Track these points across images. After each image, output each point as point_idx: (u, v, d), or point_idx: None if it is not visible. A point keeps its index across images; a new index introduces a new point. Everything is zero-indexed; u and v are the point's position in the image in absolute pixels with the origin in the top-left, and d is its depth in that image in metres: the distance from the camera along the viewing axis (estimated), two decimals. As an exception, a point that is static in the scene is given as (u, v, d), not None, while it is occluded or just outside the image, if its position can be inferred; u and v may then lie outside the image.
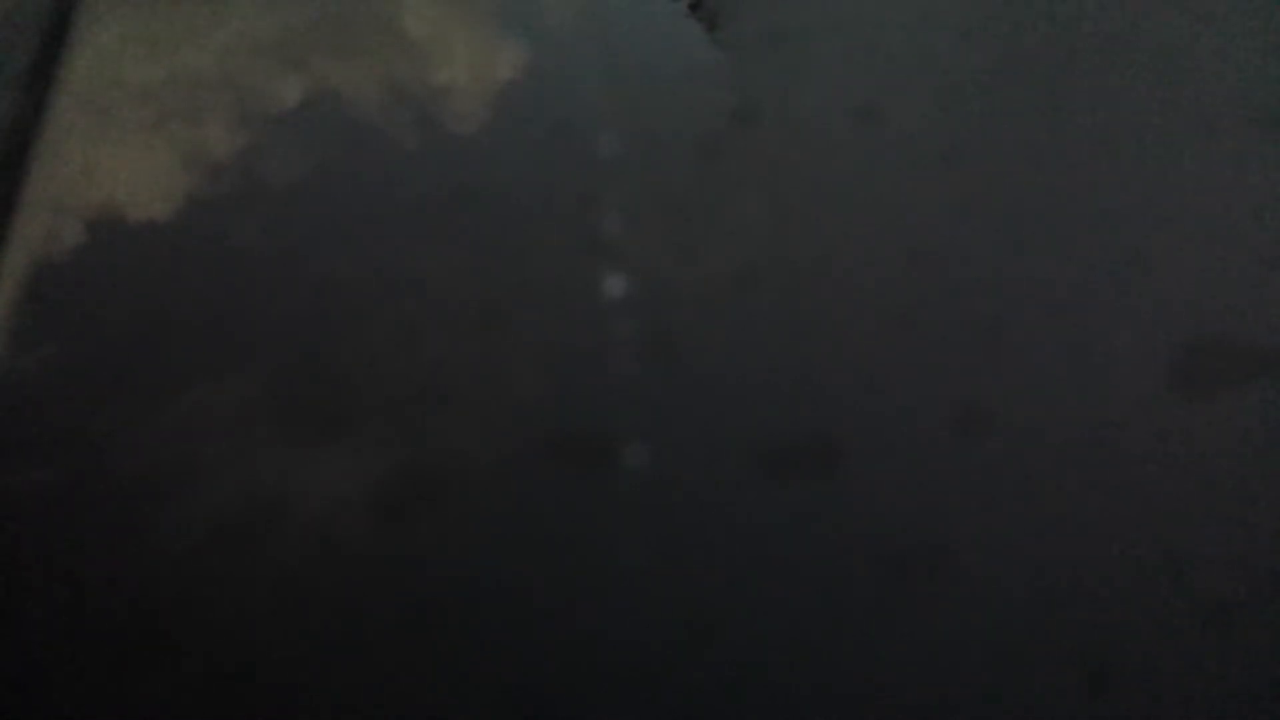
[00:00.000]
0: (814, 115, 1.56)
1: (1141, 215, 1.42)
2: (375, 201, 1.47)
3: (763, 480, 1.16)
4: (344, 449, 1.20)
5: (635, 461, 1.18)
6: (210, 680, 1.04)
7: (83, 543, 1.13)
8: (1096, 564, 1.10)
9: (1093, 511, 1.14)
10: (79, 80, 1.58)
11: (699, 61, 1.67)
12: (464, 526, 1.15)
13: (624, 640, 1.06)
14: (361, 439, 1.21)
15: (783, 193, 1.45)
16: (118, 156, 1.52)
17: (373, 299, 1.35)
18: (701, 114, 1.55)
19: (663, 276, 1.35)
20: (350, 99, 1.59)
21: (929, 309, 1.32)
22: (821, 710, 1.02)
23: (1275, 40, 1.63)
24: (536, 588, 1.09)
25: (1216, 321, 1.30)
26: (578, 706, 1.03)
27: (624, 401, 1.23)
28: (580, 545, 1.13)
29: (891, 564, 1.10)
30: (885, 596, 1.08)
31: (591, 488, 1.17)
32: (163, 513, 1.14)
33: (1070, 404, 1.23)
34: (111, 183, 1.48)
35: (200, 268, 1.39)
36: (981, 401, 1.23)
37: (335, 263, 1.39)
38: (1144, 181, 1.46)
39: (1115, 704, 1.02)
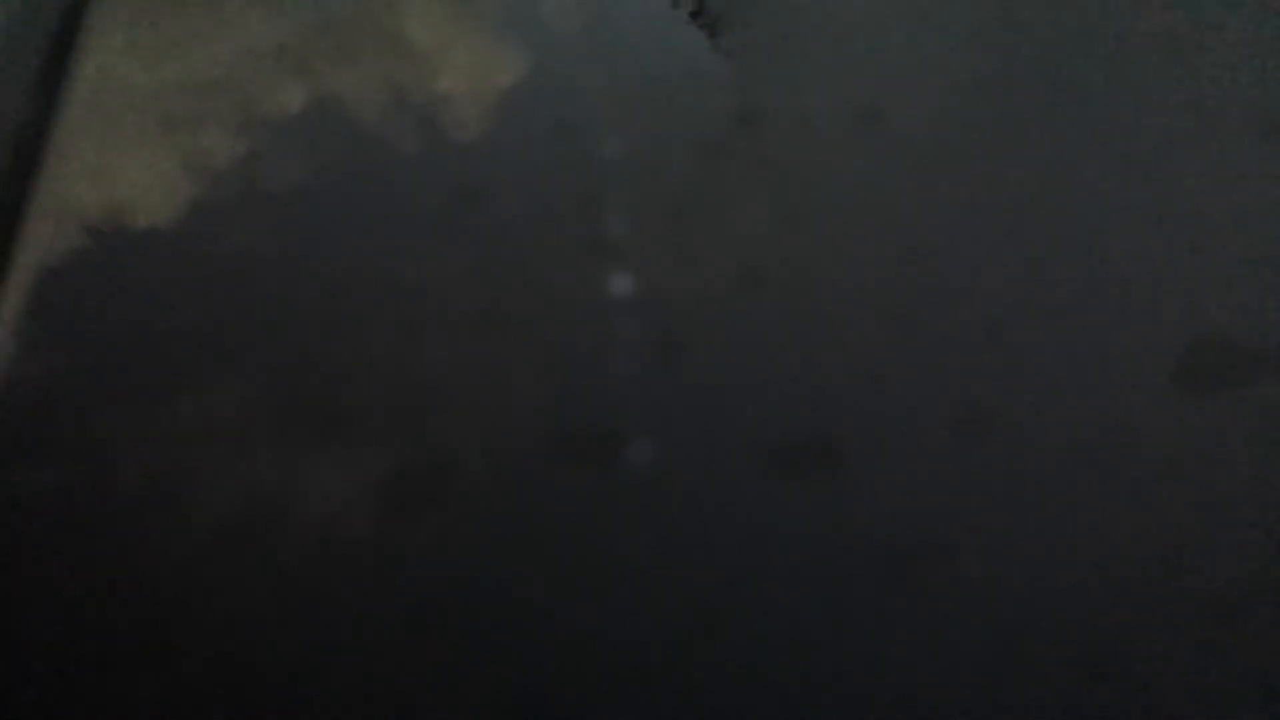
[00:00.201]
0: (816, 118, 1.56)
1: (1141, 217, 1.42)
2: (379, 205, 1.47)
3: (765, 480, 1.17)
4: (345, 451, 1.20)
5: (636, 461, 1.18)
6: (211, 682, 1.04)
7: (86, 546, 1.13)
8: (1097, 563, 1.10)
9: (1093, 511, 1.14)
10: (86, 85, 1.59)
11: (701, 67, 1.68)
12: (464, 527, 1.15)
13: (624, 640, 1.06)
14: (362, 441, 1.21)
15: (784, 195, 1.46)
16: (124, 161, 1.53)
17: (375, 302, 1.35)
18: (703, 117, 1.56)
19: (665, 278, 1.36)
20: (353, 104, 1.60)
21: (930, 310, 1.32)
22: (823, 710, 1.02)
23: (1274, 44, 1.63)
24: (536, 588, 1.09)
25: (1217, 322, 1.30)
26: (578, 706, 1.03)
27: (626, 402, 1.23)
28: (581, 545, 1.13)
29: (893, 563, 1.10)
30: (887, 596, 1.08)
31: (593, 488, 1.17)
32: (166, 516, 1.15)
33: (1071, 404, 1.23)
34: (118, 187, 1.49)
35: (204, 272, 1.40)
36: (983, 402, 1.23)
37: (339, 267, 1.39)
38: (1144, 183, 1.46)
39: (1116, 702, 1.02)
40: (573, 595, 1.09)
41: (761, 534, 1.13)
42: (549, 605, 1.08)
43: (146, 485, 1.17)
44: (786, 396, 1.25)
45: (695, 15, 1.74)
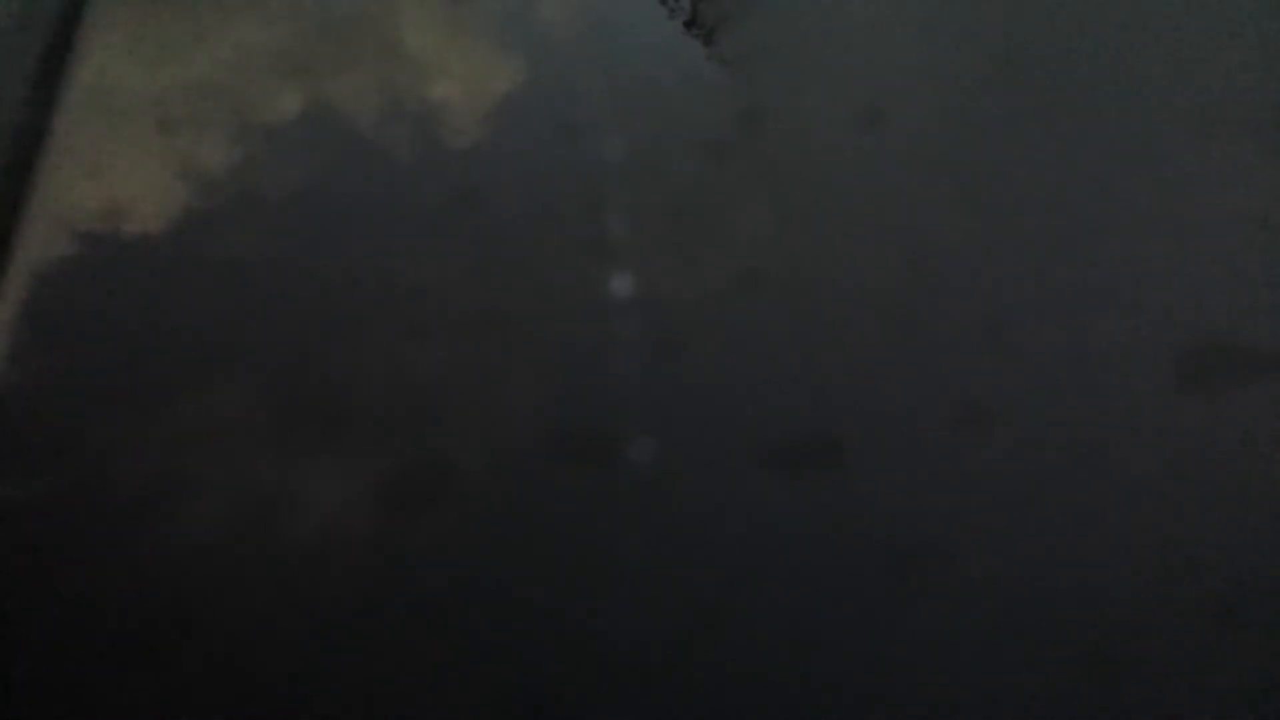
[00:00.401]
0: (815, 120, 1.56)
1: (1142, 217, 1.43)
2: (377, 208, 1.47)
3: (764, 480, 1.16)
4: (345, 452, 1.20)
5: (636, 461, 1.18)
6: (211, 683, 1.04)
7: (84, 552, 1.13)
8: (1097, 562, 1.10)
9: (1093, 510, 1.14)
10: (84, 88, 1.59)
11: (699, 70, 1.68)
12: (464, 527, 1.15)
13: (624, 640, 1.05)
14: (363, 442, 1.21)
15: (784, 196, 1.46)
16: (122, 164, 1.53)
17: (374, 304, 1.35)
18: (702, 120, 1.56)
19: (664, 278, 1.36)
20: (351, 108, 1.60)
21: (931, 310, 1.32)
22: (823, 709, 1.02)
23: (1271, 47, 1.63)
24: (536, 588, 1.09)
25: (1215, 322, 1.30)
26: (578, 706, 1.02)
27: (626, 402, 1.23)
28: (581, 545, 1.13)
29: (893, 563, 1.10)
30: (887, 595, 1.08)
31: (593, 488, 1.17)
32: (164, 520, 1.14)
33: (1071, 404, 1.23)
34: (115, 190, 1.49)
35: (202, 276, 1.39)
36: (983, 401, 1.23)
37: (337, 269, 1.39)
38: (1144, 183, 1.47)
39: (1116, 701, 1.02)
40: (573, 595, 1.08)
41: (761, 534, 1.13)
42: (549, 605, 1.08)
43: (144, 490, 1.17)
44: (786, 396, 1.25)
45: (693, 19, 1.74)
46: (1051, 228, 1.41)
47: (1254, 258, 1.37)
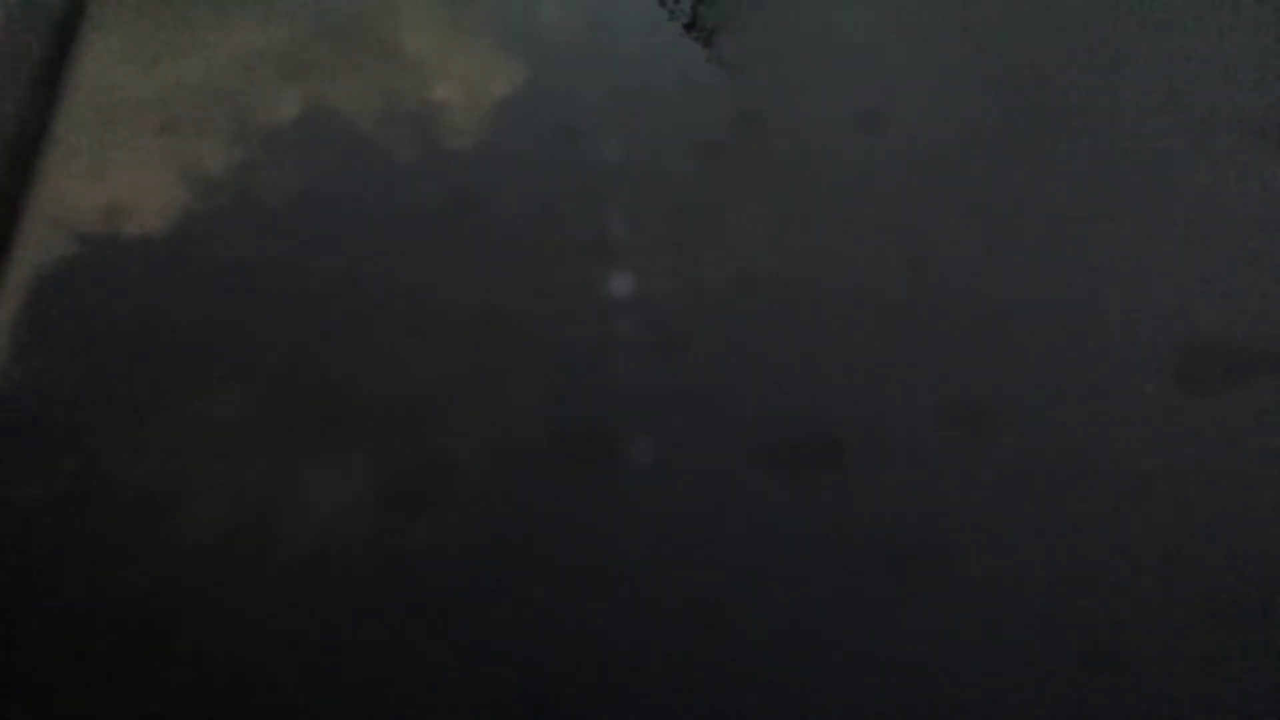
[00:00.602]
0: (813, 121, 1.56)
1: (1139, 219, 1.43)
2: (377, 210, 1.47)
3: (764, 480, 1.17)
4: (345, 453, 1.20)
5: (636, 462, 1.18)
6: (211, 683, 1.04)
7: (83, 552, 1.13)
8: (1097, 562, 1.10)
9: (1093, 509, 1.14)
10: (84, 89, 1.59)
11: (699, 72, 1.68)
12: (464, 527, 1.15)
13: (624, 640, 1.05)
14: (363, 443, 1.21)
15: (783, 197, 1.46)
16: (122, 165, 1.53)
17: (374, 305, 1.35)
18: (702, 121, 1.56)
19: (664, 278, 1.36)
20: (351, 111, 1.60)
21: (931, 310, 1.33)
22: (823, 709, 1.02)
23: (1269, 50, 1.63)
24: (536, 588, 1.09)
25: (1216, 322, 1.30)
26: (578, 706, 1.02)
27: (626, 402, 1.24)
28: (581, 545, 1.13)
29: (893, 563, 1.10)
30: (887, 595, 1.08)
31: (593, 488, 1.17)
32: (163, 521, 1.14)
33: (1070, 403, 1.23)
34: (115, 191, 1.49)
35: (202, 277, 1.39)
36: (982, 401, 1.23)
37: (337, 271, 1.39)
38: (1142, 184, 1.47)
39: (1116, 700, 1.02)
40: (573, 595, 1.08)
41: (761, 534, 1.13)
42: (549, 605, 1.08)
43: (144, 490, 1.17)
44: (786, 396, 1.25)
45: (693, 22, 1.74)
46: (1051, 228, 1.41)
47: (1254, 258, 1.37)
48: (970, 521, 1.14)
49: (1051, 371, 1.27)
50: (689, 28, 1.73)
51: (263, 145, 1.55)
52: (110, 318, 1.35)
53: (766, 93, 1.62)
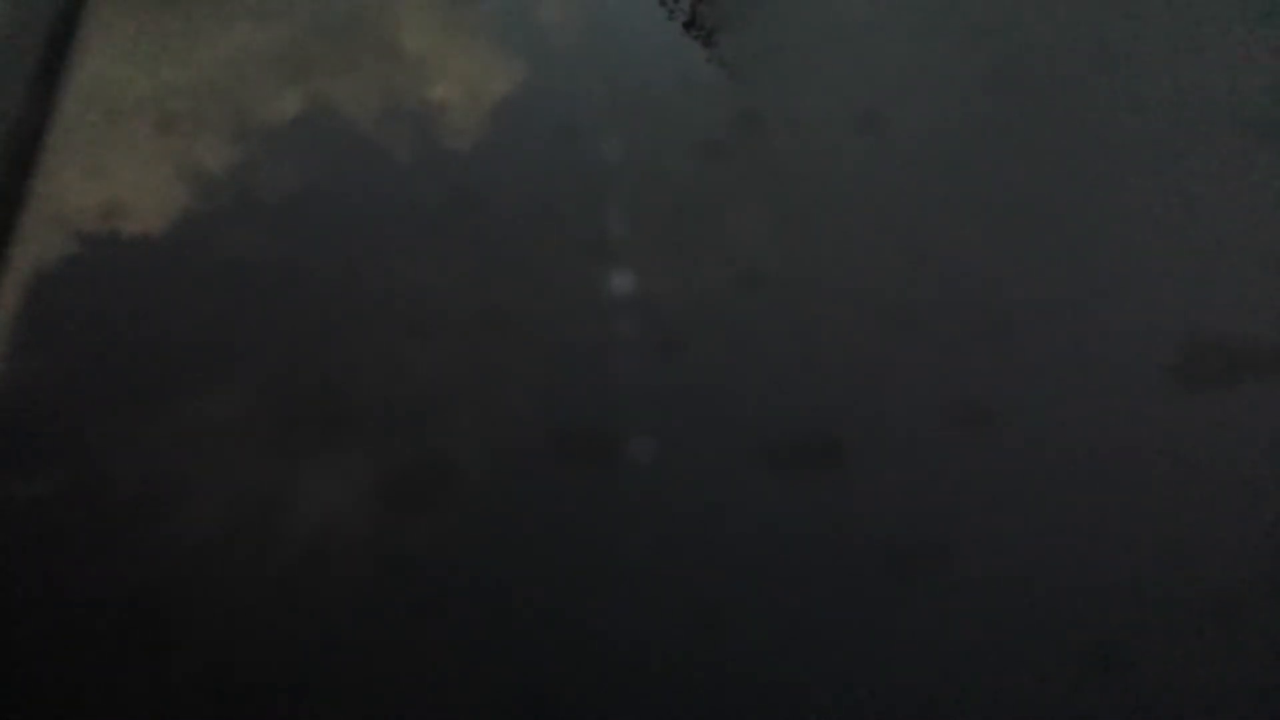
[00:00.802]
0: (813, 121, 1.56)
1: (1141, 217, 1.43)
2: (376, 210, 1.47)
3: (764, 480, 1.17)
4: (345, 453, 1.20)
5: (636, 461, 1.18)
6: (211, 683, 1.04)
7: (82, 552, 1.13)
8: (1097, 562, 1.10)
9: (1093, 509, 1.14)
10: (83, 87, 1.59)
11: (698, 72, 1.68)
12: (464, 527, 1.15)
13: (624, 640, 1.05)
14: (363, 443, 1.21)
15: (783, 196, 1.46)
16: (121, 164, 1.53)
17: (374, 305, 1.35)
18: (701, 121, 1.56)
19: (664, 278, 1.36)
20: (350, 110, 1.60)
21: (931, 310, 1.33)
22: (823, 708, 1.02)
23: (1270, 50, 1.64)
24: (536, 588, 1.09)
25: (1214, 321, 1.30)
26: (578, 706, 1.02)
27: (626, 402, 1.24)
28: (581, 545, 1.13)
29: (894, 562, 1.10)
30: (888, 594, 1.08)
31: (593, 488, 1.17)
32: (162, 521, 1.14)
33: (1071, 403, 1.23)
34: (114, 190, 1.49)
35: (201, 276, 1.39)
36: (982, 401, 1.23)
37: (337, 270, 1.39)
38: (1143, 183, 1.47)
39: (1116, 700, 1.02)
40: (573, 595, 1.08)
41: (761, 533, 1.13)
42: (549, 605, 1.08)
43: (143, 490, 1.17)
44: (786, 396, 1.25)
45: (692, 21, 1.74)
46: (1051, 228, 1.41)
47: (1254, 258, 1.37)
48: (971, 521, 1.14)
49: (1052, 370, 1.27)
50: (689, 27, 1.73)
51: (262, 144, 1.55)
52: (109, 316, 1.35)
53: (766, 92, 1.62)
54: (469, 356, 1.30)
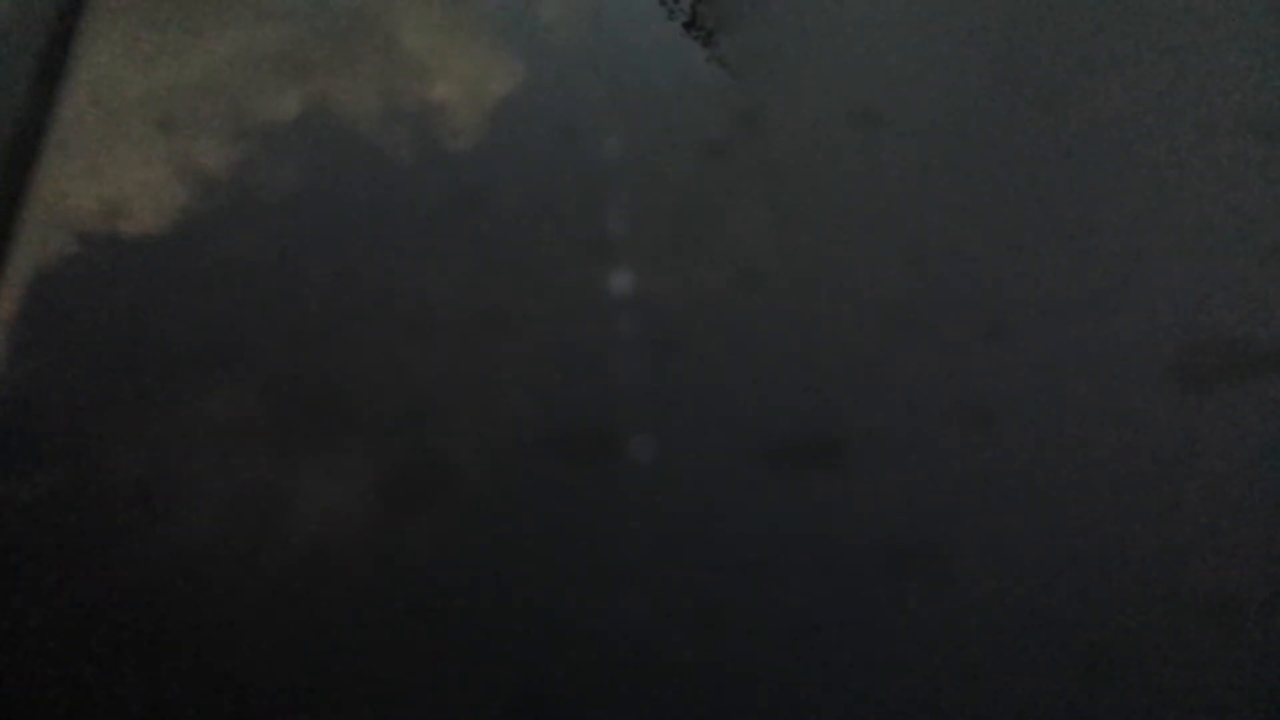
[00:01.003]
0: (813, 121, 1.56)
1: (1142, 217, 1.43)
2: (376, 209, 1.47)
3: (764, 480, 1.17)
4: (344, 453, 1.20)
5: (636, 461, 1.18)
6: (211, 683, 1.04)
7: (82, 552, 1.13)
8: (1097, 562, 1.10)
9: (1094, 509, 1.14)
10: (83, 87, 1.59)
11: (698, 72, 1.68)
12: (464, 527, 1.15)
13: (624, 640, 1.06)
14: (362, 443, 1.21)
15: (783, 196, 1.46)
16: (120, 163, 1.53)
17: (373, 305, 1.35)
18: (701, 121, 1.56)
19: (664, 278, 1.36)
20: (350, 109, 1.60)
21: (931, 310, 1.33)
22: (823, 708, 1.02)
23: (1271, 49, 1.63)
24: (536, 588, 1.09)
25: (1216, 321, 1.30)
26: (578, 706, 1.02)
27: (626, 402, 1.24)
28: (581, 545, 1.13)
29: (894, 562, 1.10)
30: (887, 594, 1.08)
31: (592, 488, 1.17)
32: (162, 521, 1.14)
33: (1071, 403, 1.23)
34: (114, 190, 1.49)
35: (201, 276, 1.39)
36: (982, 401, 1.23)
37: (337, 270, 1.39)
38: (1144, 183, 1.47)
39: (1115, 700, 1.02)
40: (573, 595, 1.09)
41: (761, 533, 1.13)
42: (549, 605, 1.08)
43: (143, 490, 1.17)
44: (786, 396, 1.25)
45: (692, 20, 1.74)
46: (1051, 228, 1.41)
47: (1254, 258, 1.37)
48: (970, 521, 1.14)
49: (1052, 370, 1.27)
50: (689, 27, 1.73)
51: (262, 143, 1.55)
52: (109, 316, 1.35)
53: (766, 92, 1.62)
54: (469, 356, 1.30)
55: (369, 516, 1.15)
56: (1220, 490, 1.16)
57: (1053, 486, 1.16)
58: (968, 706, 1.02)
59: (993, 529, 1.13)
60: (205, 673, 1.05)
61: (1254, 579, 1.09)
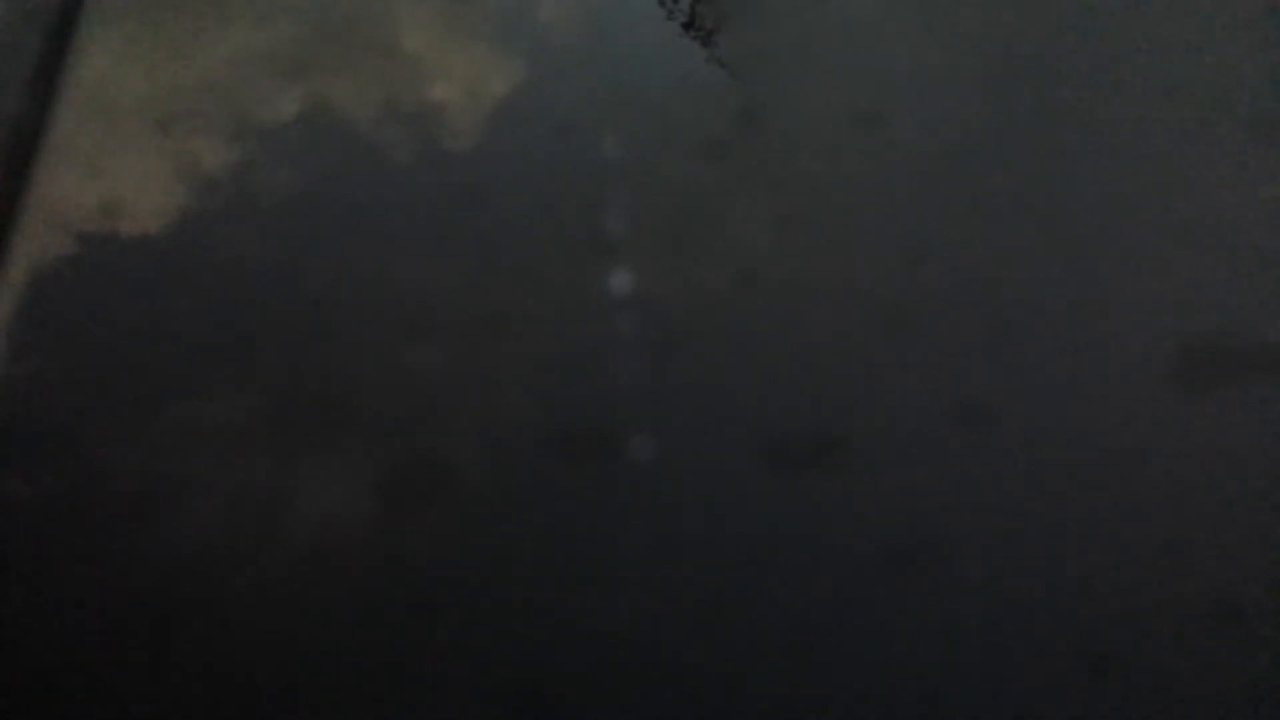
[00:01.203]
0: (813, 121, 1.56)
1: (1141, 217, 1.43)
2: (376, 210, 1.47)
3: (764, 480, 1.17)
4: (344, 453, 1.20)
5: (636, 461, 1.18)
6: (210, 682, 1.04)
7: (81, 552, 1.13)
8: (1097, 562, 1.10)
9: (1093, 509, 1.14)
10: (82, 87, 1.59)
11: (698, 72, 1.68)
12: (464, 527, 1.15)
13: (624, 639, 1.06)
14: (362, 443, 1.21)
15: (783, 196, 1.46)
16: (120, 164, 1.53)
17: (373, 305, 1.35)
18: (701, 121, 1.56)
19: (664, 278, 1.36)
20: (349, 110, 1.60)
21: (931, 310, 1.33)
22: (822, 708, 1.02)
23: (1270, 49, 1.63)
24: (536, 587, 1.09)
25: (1217, 322, 1.30)
26: (578, 706, 1.02)
27: (625, 402, 1.24)
28: (581, 545, 1.13)
29: (894, 562, 1.10)
30: (887, 594, 1.08)
31: (593, 488, 1.17)
32: (161, 521, 1.15)
33: (1070, 403, 1.23)
34: (113, 189, 1.49)
35: (200, 276, 1.39)
36: (981, 401, 1.23)
37: (336, 270, 1.39)
38: (1143, 184, 1.47)
39: (1115, 700, 1.02)
40: (572, 595, 1.09)
41: (760, 533, 1.13)
42: (549, 605, 1.08)
43: (143, 490, 1.17)
44: (785, 396, 1.25)
45: (692, 21, 1.74)
46: (1051, 228, 1.41)
47: (1254, 257, 1.37)
48: (971, 521, 1.14)
49: (1052, 370, 1.27)
50: (689, 27, 1.73)
51: (262, 144, 1.55)
52: (108, 317, 1.35)
53: (766, 92, 1.62)
54: (468, 356, 1.30)
55: (369, 516, 1.15)
56: (1220, 490, 1.16)
57: (1052, 486, 1.16)
58: (968, 706, 1.02)
59: (992, 529, 1.13)
60: (206, 671, 1.05)
61: (1254, 579, 1.09)
